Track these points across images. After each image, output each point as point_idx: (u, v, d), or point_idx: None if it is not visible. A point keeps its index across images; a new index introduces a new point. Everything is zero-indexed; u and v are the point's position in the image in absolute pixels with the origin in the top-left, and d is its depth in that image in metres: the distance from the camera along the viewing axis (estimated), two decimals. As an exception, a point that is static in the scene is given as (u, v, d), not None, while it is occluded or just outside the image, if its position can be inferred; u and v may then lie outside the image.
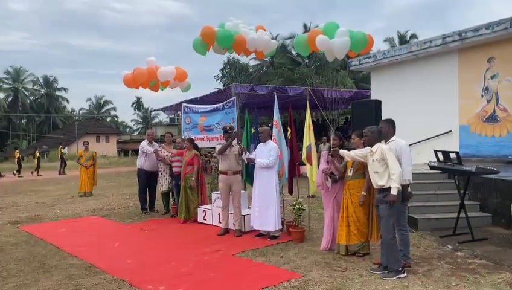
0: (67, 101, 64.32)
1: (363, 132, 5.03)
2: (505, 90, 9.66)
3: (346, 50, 6.38)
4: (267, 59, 40.86)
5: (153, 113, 70.92)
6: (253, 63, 42.31)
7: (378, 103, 7.34)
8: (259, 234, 6.87)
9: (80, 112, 67.79)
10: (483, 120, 10.15)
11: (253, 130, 8.29)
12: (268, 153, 6.67)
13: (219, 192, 7.95)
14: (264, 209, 6.64)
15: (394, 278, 4.61)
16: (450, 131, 10.65)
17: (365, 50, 6.54)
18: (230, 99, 8.98)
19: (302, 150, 7.01)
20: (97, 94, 67.64)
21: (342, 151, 5.55)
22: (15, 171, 23.14)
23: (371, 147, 4.92)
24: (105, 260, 5.77)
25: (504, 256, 5.27)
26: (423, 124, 10.89)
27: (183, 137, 9.16)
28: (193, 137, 9.06)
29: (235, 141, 7.17)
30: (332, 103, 18.29)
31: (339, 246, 5.70)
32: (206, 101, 16.70)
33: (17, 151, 25.61)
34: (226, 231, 7.18)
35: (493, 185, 6.62)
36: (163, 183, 9.15)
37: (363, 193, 5.44)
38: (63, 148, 25.49)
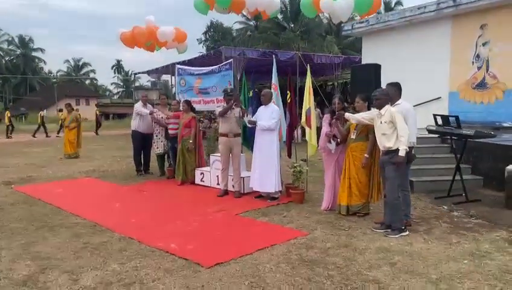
0: (44, 62, 62.49)
1: (373, 95, 5.08)
2: (496, 57, 9.78)
3: (350, 11, 6.34)
4: (251, 23, 40.25)
5: (134, 76, 69.69)
6: (237, 26, 41.55)
7: (377, 67, 7.38)
8: (259, 196, 6.98)
9: (58, 74, 65.96)
10: (473, 87, 10.31)
11: (250, 94, 8.29)
12: (270, 116, 6.69)
13: (217, 154, 8.01)
14: (264, 171, 6.72)
15: (397, 236, 4.80)
16: (440, 97, 10.81)
17: (372, 11, 6.51)
18: (227, 62, 8.88)
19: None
20: (75, 56, 65.63)
21: (347, 115, 5.62)
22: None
23: (380, 110, 4.99)
24: (109, 219, 5.80)
25: (498, 216, 5.53)
26: (414, 90, 10.97)
27: (178, 99, 9.06)
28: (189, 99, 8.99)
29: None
30: (322, 68, 18.36)
31: (340, 206, 5.86)
32: (195, 64, 16.46)
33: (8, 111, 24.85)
34: (226, 192, 7.28)
35: (485, 149, 6.83)
36: (158, 145, 9.12)
37: (366, 155, 5.56)
38: (43, 112, 24.69)
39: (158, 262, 4.25)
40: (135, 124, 9.22)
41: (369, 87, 6.97)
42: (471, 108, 10.32)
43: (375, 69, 7.32)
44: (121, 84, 71.88)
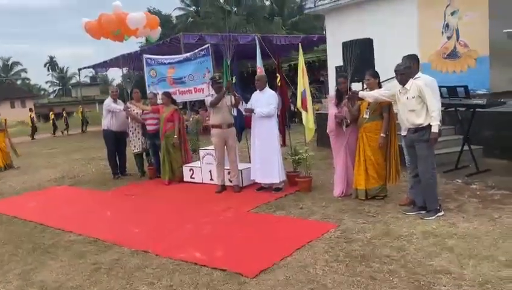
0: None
1: (396, 70, 4.75)
2: (465, 26, 9.82)
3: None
4: (192, 8, 39.03)
5: (70, 72, 65.80)
6: (177, 13, 40.04)
7: (370, 41, 7.11)
8: (261, 188, 6.53)
9: (-17, 76, 60.86)
10: (444, 57, 10.34)
11: (233, 79, 7.75)
12: (267, 101, 6.22)
13: (208, 148, 7.44)
14: (266, 160, 6.27)
15: (434, 217, 4.56)
16: (411, 69, 10.78)
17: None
18: (203, 47, 8.24)
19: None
20: (3, 55, 60.69)
21: (362, 93, 5.28)
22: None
23: (404, 85, 4.67)
24: (108, 232, 5.13)
25: (517, 184, 5.45)
26: (386, 64, 10.92)
27: (153, 92, 8.31)
28: (162, 91, 8.28)
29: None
30: (281, 49, 17.99)
31: (357, 191, 5.54)
32: (149, 54, 15.52)
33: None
34: (224, 187, 6.75)
35: (483, 118, 6.76)
36: (135, 144, 8.35)
37: (382, 134, 5.26)
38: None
39: (192, 277, 3.71)
40: (106, 122, 8.37)
41: (363, 62, 6.72)
42: (444, 78, 10.35)
43: (369, 44, 7.04)
44: (57, 82, 67.73)
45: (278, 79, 7.11)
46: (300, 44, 6.86)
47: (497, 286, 3.09)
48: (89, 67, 22.60)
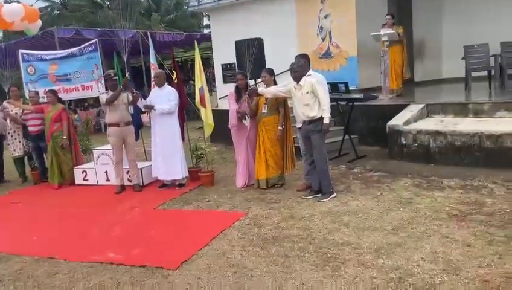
0: None
1: (291, 68, 5.19)
2: (337, 29, 10.93)
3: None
4: (57, 0, 36.09)
5: None
6: (40, 5, 36.67)
7: (261, 41, 7.55)
8: (163, 185, 6.55)
9: None
10: (319, 56, 11.38)
11: (127, 76, 7.58)
12: (167, 98, 6.26)
13: (102, 147, 7.17)
14: (168, 157, 6.32)
15: (329, 198, 5.13)
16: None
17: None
18: (90, 42, 7.89)
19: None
20: None
21: (261, 90, 5.65)
22: None
23: (298, 82, 5.15)
24: (1, 243, 4.70)
25: (389, 167, 6.34)
26: (270, 63, 11.59)
27: (34, 90, 7.67)
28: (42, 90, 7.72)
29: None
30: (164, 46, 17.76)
31: (258, 181, 5.92)
32: (15, 49, 14.11)
33: None
34: (123, 187, 6.59)
35: (357, 111, 7.67)
36: (15, 147, 7.64)
37: (279, 127, 5.71)
38: None
39: (112, 277, 3.66)
40: (-21, 125, 7.51)
41: (255, 60, 7.13)
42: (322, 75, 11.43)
43: (259, 43, 7.47)
44: None
45: (174, 76, 7.15)
46: (195, 42, 6.98)
47: (389, 250, 3.67)
48: None
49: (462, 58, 8.29)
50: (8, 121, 7.49)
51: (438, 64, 11.85)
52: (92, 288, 3.51)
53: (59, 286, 3.59)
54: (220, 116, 7.57)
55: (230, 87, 6.53)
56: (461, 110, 6.83)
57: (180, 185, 6.42)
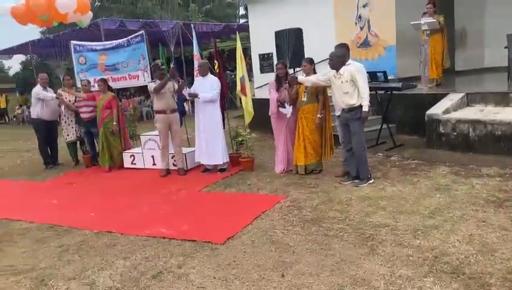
0: None
1: (331, 57, 5.37)
2: (375, 17, 10.92)
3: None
4: (99, -7, 37.14)
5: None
6: (84, -3, 37.82)
7: (300, 31, 7.72)
8: (205, 169, 6.89)
9: None
10: (357, 46, 11.40)
11: (171, 65, 7.96)
12: (210, 86, 6.57)
13: (150, 133, 7.58)
14: (211, 143, 6.64)
15: (366, 184, 5.31)
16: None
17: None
18: (137, 34, 8.27)
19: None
20: None
21: (301, 78, 5.85)
22: None
23: (338, 70, 5.32)
24: (63, 218, 5.15)
25: (427, 155, 6.44)
26: (308, 53, 11.70)
27: (87, 79, 8.16)
28: (92, 79, 8.21)
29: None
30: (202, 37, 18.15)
31: (297, 167, 6.15)
32: (63, 41, 14.84)
33: None
34: (168, 171, 6.99)
35: (394, 100, 7.74)
36: (69, 132, 8.18)
37: (318, 115, 5.91)
38: None
39: (166, 249, 4.01)
40: (36, 111, 8.08)
41: (294, 50, 7.33)
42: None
43: (299, 33, 7.64)
44: None
45: (216, 65, 7.45)
46: (237, 32, 7.24)
47: (425, 232, 3.84)
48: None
49: (505, 47, 8.15)
50: (62, 108, 8.03)
51: (479, 53, 11.60)
52: (149, 258, 3.87)
53: (118, 256, 3.97)
54: (257, 105, 7.82)
55: (267, 77, 6.74)
56: (502, 99, 6.79)
57: (222, 170, 6.74)
